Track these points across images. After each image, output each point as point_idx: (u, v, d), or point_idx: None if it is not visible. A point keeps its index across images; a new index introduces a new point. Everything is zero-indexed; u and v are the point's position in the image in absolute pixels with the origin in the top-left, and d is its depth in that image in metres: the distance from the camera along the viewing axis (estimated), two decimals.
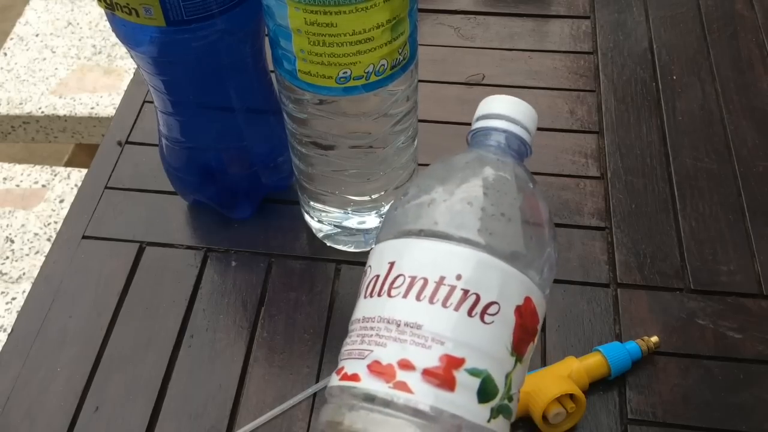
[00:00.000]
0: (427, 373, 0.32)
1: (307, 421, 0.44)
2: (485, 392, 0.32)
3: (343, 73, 0.40)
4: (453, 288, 0.33)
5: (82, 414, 0.45)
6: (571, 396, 0.42)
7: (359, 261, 0.52)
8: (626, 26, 0.69)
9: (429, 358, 0.32)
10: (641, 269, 0.51)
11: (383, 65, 0.40)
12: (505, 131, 0.39)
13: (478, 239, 0.34)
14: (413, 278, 0.33)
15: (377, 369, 0.32)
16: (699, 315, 0.48)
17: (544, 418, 0.42)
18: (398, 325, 0.33)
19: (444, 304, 0.33)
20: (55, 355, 0.48)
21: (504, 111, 0.39)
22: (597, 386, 0.45)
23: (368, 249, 0.52)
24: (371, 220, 0.50)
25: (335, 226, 0.51)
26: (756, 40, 0.67)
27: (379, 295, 0.34)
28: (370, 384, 0.32)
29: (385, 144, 0.46)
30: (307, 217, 0.53)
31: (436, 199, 0.36)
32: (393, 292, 0.34)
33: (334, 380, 0.35)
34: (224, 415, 0.45)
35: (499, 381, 0.33)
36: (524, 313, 0.34)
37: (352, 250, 0.52)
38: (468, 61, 0.66)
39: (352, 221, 0.50)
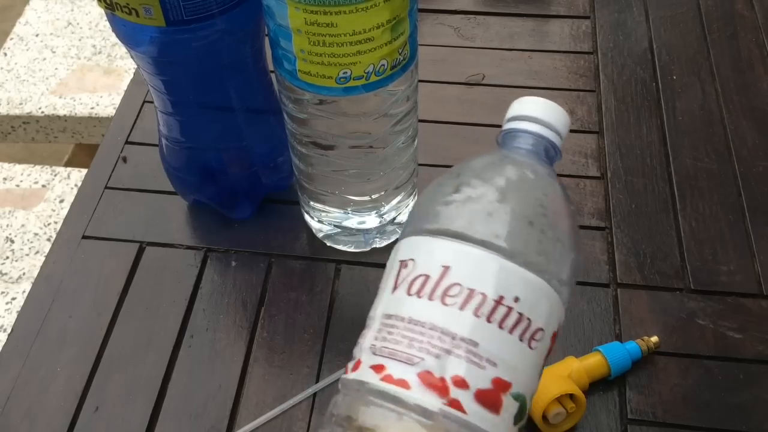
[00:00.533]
0: (479, 395, 0.31)
1: (307, 421, 0.44)
2: (520, 415, 0.32)
3: (343, 73, 0.40)
4: (510, 310, 0.32)
5: (82, 414, 0.45)
6: (571, 396, 0.42)
7: (359, 261, 0.52)
8: (626, 26, 0.69)
9: (483, 379, 0.31)
10: (641, 269, 0.51)
11: (383, 65, 0.40)
12: (546, 139, 0.38)
13: (540, 264, 0.33)
14: (471, 291, 0.32)
15: (430, 381, 0.31)
16: (699, 315, 0.48)
17: (544, 418, 0.42)
18: (453, 338, 0.32)
19: (500, 325, 0.32)
20: (55, 355, 0.48)
21: (545, 116, 0.38)
22: (597, 386, 0.45)
23: (368, 249, 0.52)
24: (371, 220, 0.50)
25: (335, 226, 0.51)
26: (756, 40, 0.67)
27: (430, 298, 0.33)
28: (422, 396, 0.31)
29: (385, 144, 0.46)
30: (307, 217, 0.53)
31: (497, 210, 0.34)
32: (448, 301, 0.32)
33: (369, 376, 0.32)
34: (224, 415, 0.45)
35: (528, 402, 0.33)
36: (555, 338, 0.34)
37: (352, 250, 0.52)
38: (468, 61, 0.66)
39: (352, 221, 0.50)
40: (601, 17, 0.70)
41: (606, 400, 0.45)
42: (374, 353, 0.33)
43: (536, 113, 0.38)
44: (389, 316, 0.33)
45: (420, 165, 0.52)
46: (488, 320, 0.32)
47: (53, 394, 0.46)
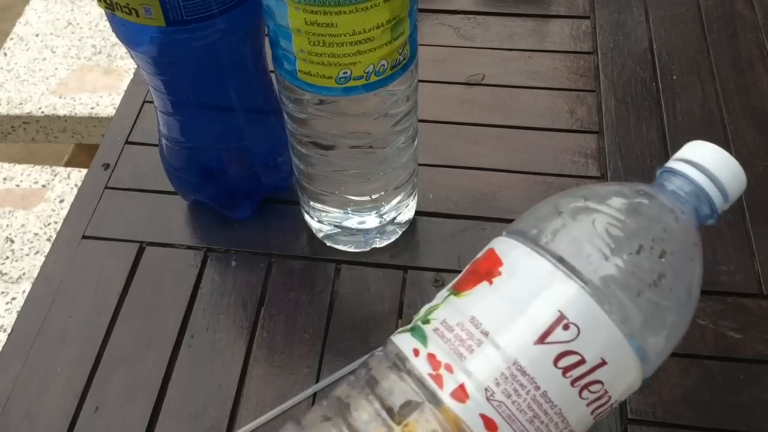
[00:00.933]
0: None
1: None
2: None
3: (343, 73, 0.40)
4: (612, 406, 0.31)
5: (82, 414, 0.45)
6: None
7: (359, 261, 0.52)
8: (626, 26, 0.69)
9: None
10: None
11: (383, 65, 0.40)
12: (707, 195, 0.34)
13: (649, 357, 0.31)
14: (605, 393, 0.30)
15: None
16: (699, 315, 0.48)
17: None
18: (566, 427, 0.30)
19: (595, 419, 0.31)
20: (55, 355, 0.48)
21: (725, 179, 0.34)
22: None
23: (368, 249, 0.52)
24: (371, 220, 0.50)
25: (335, 226, 0.51)
26: (756, 40, 0.67)
27: (572, 384, 0.29)
28: None
29: (385, 144, 0.46)
30: (307, 217, 0.53)
31: (667, 323, 0.31)
32: (585, 395, 0.29)
33: (475, 423, 0.29)
34: (224, 415, 0.45)
35: None
36: None
37: (352, 250, 0.52)
38: (468, 61, 0.66)
39: (352, 221, 0.50)
40: (601, 17, 0.70)
41: None
42: (490, 401, 0.29)
43: (709, 164, 0.34)
44: (523, 371, 0.29)
45: (420, 165, 0.52)
46: (595, 418, 0.31)
47: (53, 394, 0.46)
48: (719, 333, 0.47)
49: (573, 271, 0.30)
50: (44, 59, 1.10)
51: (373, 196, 0.48)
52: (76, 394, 0.46)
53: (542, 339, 0.29)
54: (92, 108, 1.03)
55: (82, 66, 1.09)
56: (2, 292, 0.80)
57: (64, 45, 1.12)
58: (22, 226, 0.86)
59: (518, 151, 0.58)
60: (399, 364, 0.31)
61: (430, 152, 0.56)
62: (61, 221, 0.57)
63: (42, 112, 1.03)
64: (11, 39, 1.13)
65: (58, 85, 1.06)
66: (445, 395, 0.29)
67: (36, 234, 0.86)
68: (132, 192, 0.57)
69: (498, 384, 0.29)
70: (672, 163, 0.34)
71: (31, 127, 1.05)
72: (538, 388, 0.29)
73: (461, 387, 0.29)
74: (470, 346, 0.30)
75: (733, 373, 0.46)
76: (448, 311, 0.31)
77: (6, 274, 0.82)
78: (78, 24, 1.15)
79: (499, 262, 0.31)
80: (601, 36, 0.68)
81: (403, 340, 0.32)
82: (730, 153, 0.57)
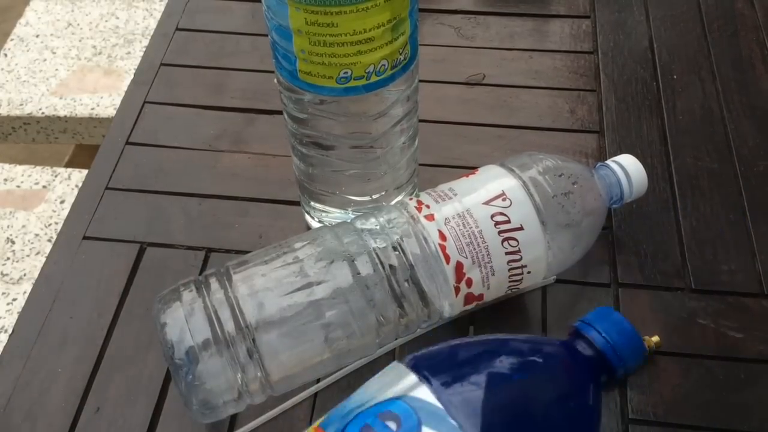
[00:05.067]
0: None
1: (308, 421, 0.44)
2: None
3: (344, 73, 0.40)
4: (523, 269, 0.44)
5: (83, 415, 0.45)
6: None
7: None
8: (626, 25, 0.69)
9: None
10: (642, 269, 0.51)
11: (384, 65, 0.40)
12: (616, 175, 0.49)
13: (552, 248, 0.45)
14: (518, 251, 0.43)
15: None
16: (700, 314, 0.48)
17: None
18: (489, 260, 0.43)
19: (510, 274, 0.44)
20: (56, 356, 0.48)
21: (632, 171, 0.49)
22: None
23: None
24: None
25: None
26: (756, 39, 0.67)
27: (499, 234, 0.43)
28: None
29: (386, 144, 0.46)
30: (307, 217, 0.53)
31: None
32: (505, 245, 0.43)
33: (413, 210, 0.44)
34: None
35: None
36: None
37: None
38: (468, 61, 0.66)
39: None
40: (601, 17, 0.70)
41: (607, 400, 0.45)
42: (446, 224, 0.43)
43: (625, 163, 0.49)
44: (471, 215, 0.43)
45: (420, 165, 0.52)
46: (510, 278, 0.44)
47: (54, 394, 0.46)
48: (720, 333, 0.47)
49: (515, 174, 0.45)
50: (44, 60, 1.10)
51: (374, 196, 0.48)
52: (77, 394, 0.46)
53: (488, 202, 0.44)
54: (93, 108, 1.03)
55: (83, 67, 1.09)
56: (3, 293, 0.80)
57: (64, 46, 1.12)
58: (23, 227, 0.86)
59: (519, 151, 0.58)
60: (400, 206, 0.45)
61: (430, 152, 0.56)
62: (62, 222, 0.57)
63: (42, 113, 1.03)
64: (11, 40, 1.13)
65: (58, 86, 1.07)
66: (420, 216, 0.44)
67: (37, 235, 0.86)
68: (132, 192, 0.57)
69: (454, 218, 0.43)
70: (613, 165, 0.50)
71: (31, 127, 1.05)
72: (477, 226, 0.43)
73: (431, 214, 0.44)
74: (444, 198, 0.44)
75: (734, 373, 0.46)
76: (438, 187, 0.46)
77: (7, 275, 0.82)
78: (78, 25, 1.15)
79: (476, 171, 0.47)
80: (602, 35, 0.68)
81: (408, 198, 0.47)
82: (731, 152, 0.58)
